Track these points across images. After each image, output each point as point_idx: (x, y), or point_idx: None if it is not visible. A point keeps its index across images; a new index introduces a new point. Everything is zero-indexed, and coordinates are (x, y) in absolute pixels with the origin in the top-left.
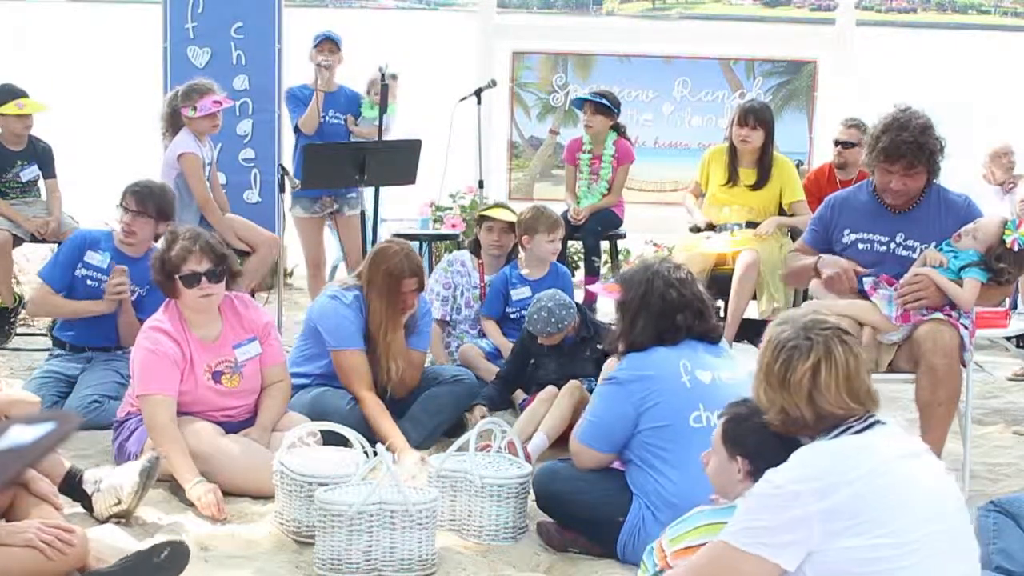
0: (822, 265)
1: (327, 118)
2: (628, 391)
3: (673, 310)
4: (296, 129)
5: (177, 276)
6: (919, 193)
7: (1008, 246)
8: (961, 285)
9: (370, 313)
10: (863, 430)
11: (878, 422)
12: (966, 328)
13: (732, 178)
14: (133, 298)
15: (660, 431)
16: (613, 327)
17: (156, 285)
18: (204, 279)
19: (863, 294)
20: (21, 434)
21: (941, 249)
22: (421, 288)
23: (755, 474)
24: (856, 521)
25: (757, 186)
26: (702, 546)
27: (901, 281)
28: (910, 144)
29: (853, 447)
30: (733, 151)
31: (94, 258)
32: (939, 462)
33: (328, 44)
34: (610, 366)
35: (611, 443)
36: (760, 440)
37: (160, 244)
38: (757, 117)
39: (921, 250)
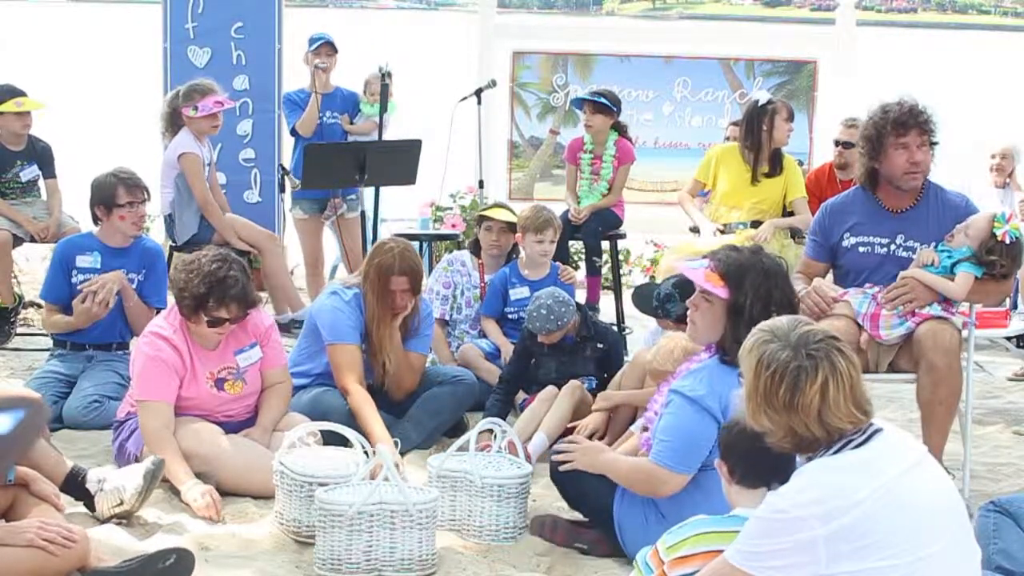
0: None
1: (324, 119)
2: (712, 418)
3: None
4: (293, 132)
5: (205, 316)
6: (919, 190)
7: (999, 239)
8: (953, 281)
9: (366, 307)
10: (864, 443)
11: (878, 431)
12: (953, 314)
13: (756, 176)
14: (133, 285)
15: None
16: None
17: (176, 302)
18: (228, 323)
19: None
20: None
21: (936, 250)
22: (414, 291)
23: (735, 475)
24: (862, 544)
25: (772, 173)
26: (700, 555)
27: (888, 287)
28: (914, 109)
29: (855, 465)
30: (758, 148)
31: (85, 261)
32: (937, 466)
33: (326, 48)
34: (666, 356)
35: (694, 463)
36: (733, 441)
37: (191, 275)
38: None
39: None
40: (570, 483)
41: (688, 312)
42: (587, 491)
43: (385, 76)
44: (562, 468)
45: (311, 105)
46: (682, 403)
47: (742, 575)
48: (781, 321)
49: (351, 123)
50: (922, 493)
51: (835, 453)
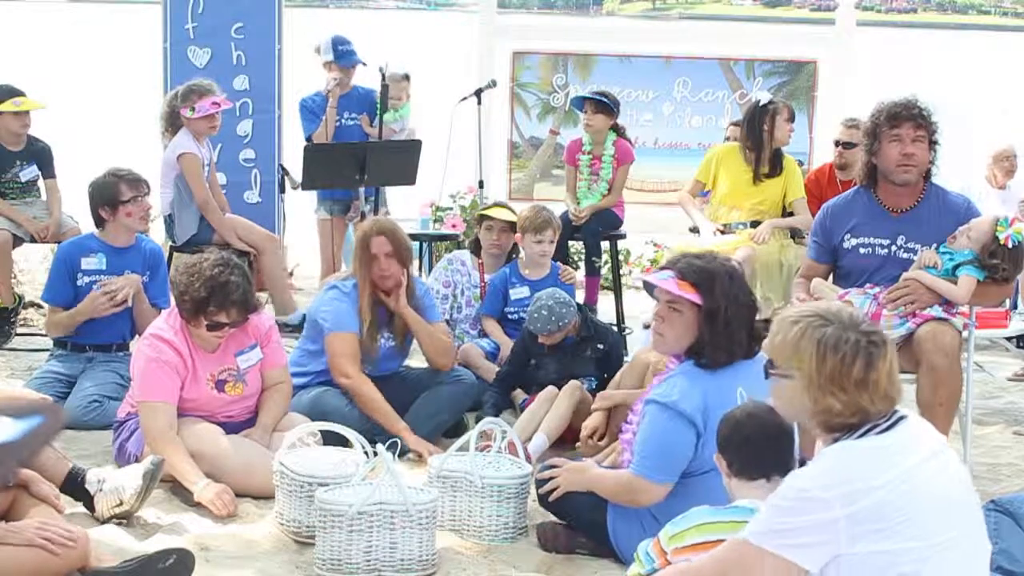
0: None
1: (343, 120)
2: (689, 423)
3: (751, 323)
4: (309, 140)
5: (205, 320)
6: (920, 191)
7: (1002, 243)
8: (955, 284)
9: (360, 289)
10: (887, 429)
11: (902, 418)
12: (954, 315)
13: (757, 176)
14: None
15: (706, 477)
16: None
17: (176, 304)
18: (228, 327)
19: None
20: (8, 428)
21: (938, 252)
22: (399, 258)
23: (732, 468)
24: (878, 527)
25: (772, 174)
26: (704, 544)
27: (890, 288)
28: (910, 104)
29: (879, 449)
30: (759, 148)
31: (90, 263)
32: (956, 458)
33: (355, 66)
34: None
35: (674, 471)
36: (729, 434)
37: (192, 278)
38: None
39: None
40: (559, 504)
41: (653, 324)
42: (577, 508)
43: (384, 77)
44: (552, 498)
45: (326, 118)
46: (656, 411)
47: (762, 553)
48: (823, 306)
49: (371, 125)
50: (937, 483)
51: (859, 437)
